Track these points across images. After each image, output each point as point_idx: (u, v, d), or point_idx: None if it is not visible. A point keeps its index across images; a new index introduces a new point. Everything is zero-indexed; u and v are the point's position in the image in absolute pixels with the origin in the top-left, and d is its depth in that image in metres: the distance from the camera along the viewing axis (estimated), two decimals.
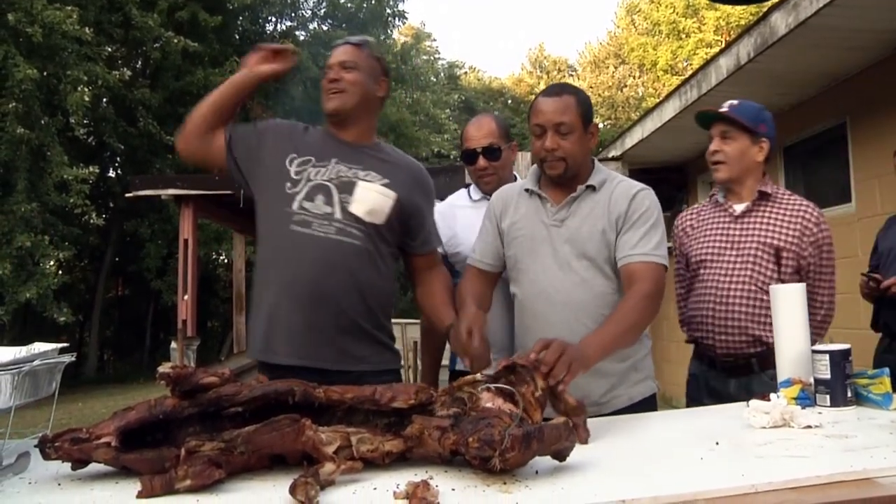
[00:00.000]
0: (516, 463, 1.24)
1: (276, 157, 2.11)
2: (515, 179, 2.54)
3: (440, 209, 2.52)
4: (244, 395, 1.40)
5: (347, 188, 2.07)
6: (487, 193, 2.49)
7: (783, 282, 2.32)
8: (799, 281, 2.38)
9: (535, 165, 2.16)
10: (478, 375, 1.47)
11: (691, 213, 2.63)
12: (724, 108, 2.44)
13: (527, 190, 2.13)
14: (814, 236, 2.37)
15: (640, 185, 2.09)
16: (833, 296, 2.47)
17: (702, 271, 2.46)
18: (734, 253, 2.41)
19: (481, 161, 2.46)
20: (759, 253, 2.37)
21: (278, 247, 2.07)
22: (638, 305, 1.88)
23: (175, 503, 1.19)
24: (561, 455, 1.30)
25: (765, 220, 2.40)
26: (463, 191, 2.59)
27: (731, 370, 2.36)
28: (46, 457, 1.32)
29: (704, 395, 2.42)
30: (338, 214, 2.06)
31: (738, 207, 2.46)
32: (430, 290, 2.21)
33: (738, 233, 2.43)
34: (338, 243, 2.04)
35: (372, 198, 2.09)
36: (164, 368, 1.37)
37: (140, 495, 1.20)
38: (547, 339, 1.56)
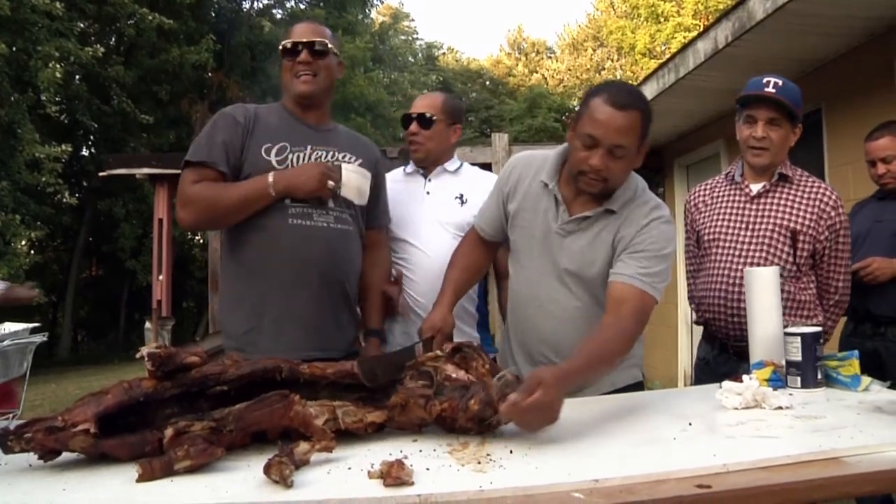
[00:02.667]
0: (502, 422, 1.42)
1: (254, 148, 2.06)
2: (450, 159, 2.56)
3: None
4: (231, 374, 1.39)
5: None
6: (415, 162, 2.53)
7: (798, 265, 2.31)
8: (813, 265, 2.38)
9: (557, 153, 1.98)
10: (438, 352, 1.57)
11: (704, 189, 2.59)
12: (771, 90, 2.34)
13: (543, 182, 1.95)
14: (830, 220, 2.34)
15: (659, 211, 1.91)
16: (848, 281, 2.44)
17: (714, 250, 2.43)
18: (749, 234, 2.38)
19: (413, 126, 2.48)
20: (775, 235, 2.34)
21: (277, 240, 2.04)
22: (620, 343, 1.72)
23: (150, 486, 1.18)
24: None
25: (782, 202, 2.37)
26: (400, 168, 2.62)
27: (742, 354, 2.28)
28: (8, 450, 1.27)
29: (716, 381, 2.35)
30: (330, 202, 2.09)
31: (755, 188, 2.42)
32: (367, 280, 2.26)
33: (753, 213, 2.39)
34: (338, 232, 2.10)
35: (357, 180, 2.14)
36: (151, 348, 1.35)
37: (141, 479, 1.19)
38: (534, 381, 1.41)
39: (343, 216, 2.13)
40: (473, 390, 1.43)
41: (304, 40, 2.11)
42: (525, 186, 1.99)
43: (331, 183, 2.03)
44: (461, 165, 2.59)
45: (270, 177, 2.00)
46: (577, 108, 1.85)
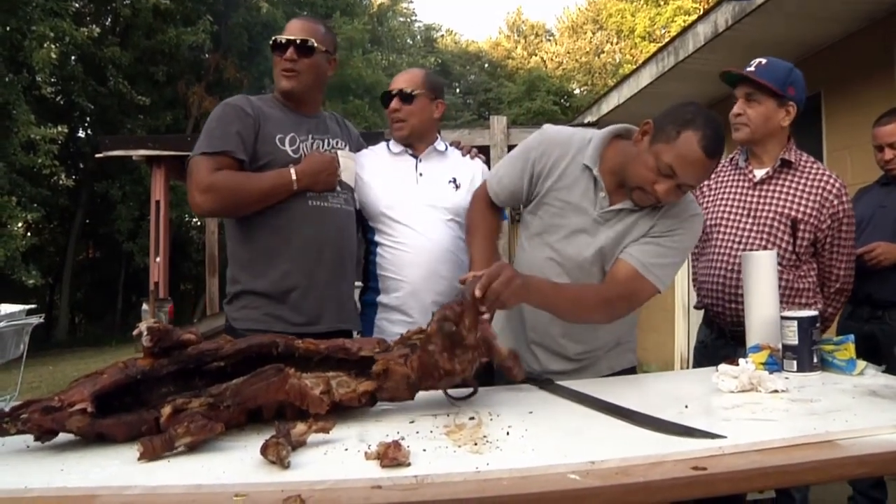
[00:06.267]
0: (474, 325, 1.46)
1: (267, 140, 2.14)
2: (436, 139, 2.50)
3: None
4: (228, 349, 1.40)
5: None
6: (399, 140, 2.46)
7: (798, 254, 2.31)
8: (814, 253, 2.38)
9: (599, 138, 1.93)
10: (423, 326, 1.54)
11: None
12: (751, 69, 2.36)
13: (586, 166, 1.90)
14: (833, 208, 2.32)
15: (698, 208, 1.95)
16: (851, 269, 2.42)
17: (715, 235, 2.43)
18: (750, 220, 2.37)
19: (394, 102, 2.42)
20: (776, 223, 2.33)
21: (298, 222, 2.14)
22: (597, 301, 1.79)
23: (147, 466, 1.19)
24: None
25: (784, 190, 2.35)
26: (382, 143, 2.54)
27: (740, 338, 2.29)
28: (3, 432, 1.27)
29: (714, 364, 2.35)
30: (337, 185, 2.21)
31: (759, 173, 2.41)
32: None
33: (755, 200, 2.39)
34: (347, 213, 2.24)
35: (350, 164, 2.26)
36: (150, 323, 1.36)
37: (142, 457, 1.19)
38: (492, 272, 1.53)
39: (346, 197, 2.25)
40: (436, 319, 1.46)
41: (290, 38, 2.17)
42: (564, 166, 1.93)
43: (341, 174, 2.18)
44: (447, 147, 2.53)
45: (293, 173, 2.09)
46: (664, 124, 1.77)
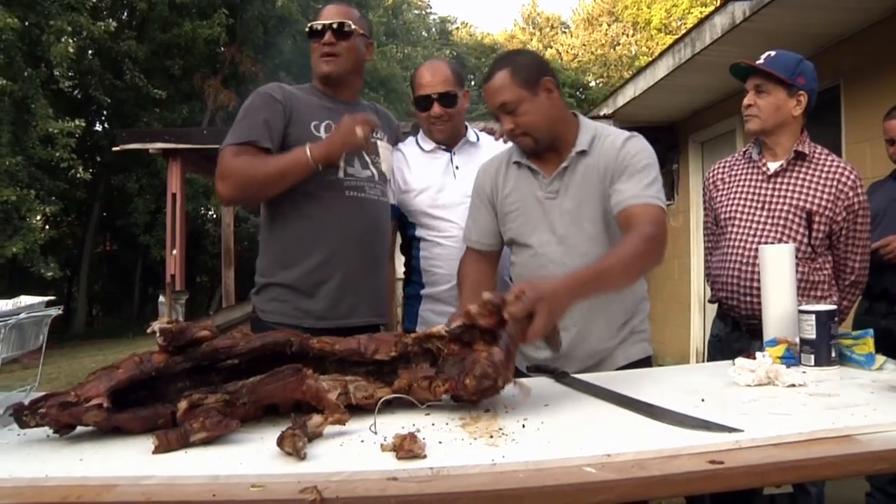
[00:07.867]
0: (510, 378, 1.41)
1: (300, 126, 2.12)
2: (467, 129, 2.51)
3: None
4: (242, 347, 1.40)
5: (373, 149, 2.20)
6: (440, 142, 2.44)
7: (813, 246, 2.30)
8: (829, 246, 2.36)
9: None
10: (442, 330, 1.49)
11: (723, 167, 2.56)
12: (761, 60, 2.35)
13: (515, 162, 2.05)
14: (849, 200, 2.30)
15: (628, 133, 2.02)
16: (866, 261, 2.40)
17: (729, 229, 2.42)
18: (764, 214, 2.36)
19: (436, 108, 2.37)
20: (790, 216, 2.31)
21: (334, 212, 2.12)
22: (636, 247, 1.72)
23: (164, 457, 1.20)
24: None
25: (798, 182, 2.34)
26: (411, 139, 2.51)
27: (755, 332, 2.27)
28: (23, 425, 1.28)
29: (729, 357, 2.35)
30: (376, 176, 2.20)
31: (772, 166, 2.39)
32: None
33: (769, 193, 2.37)
34: (383, 205, 2.23)
35: (388, 155, 2.27)
36: (163, 324, 1.35)
37: (157, 450, 1.20)
38: (522, 289, 1.44)
39: (384, 189, 2.25)
40: (468, 365, 1.39)
41: (328, 22, 2.16)
42: (502, 175, 2.08)
43: (359, 130, 2.03)
44: (479, 136, 2.52)
45: (308, 149, 2.03)
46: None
